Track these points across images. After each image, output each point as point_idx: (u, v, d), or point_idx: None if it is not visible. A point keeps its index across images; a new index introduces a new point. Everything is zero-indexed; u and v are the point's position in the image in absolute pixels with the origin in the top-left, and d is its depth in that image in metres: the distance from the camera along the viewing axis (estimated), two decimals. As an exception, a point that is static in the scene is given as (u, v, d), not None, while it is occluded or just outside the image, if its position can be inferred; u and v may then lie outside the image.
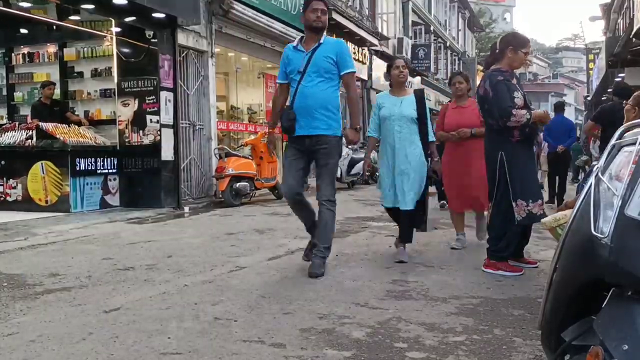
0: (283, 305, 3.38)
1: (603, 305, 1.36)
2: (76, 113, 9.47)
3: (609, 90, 24.15)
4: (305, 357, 2.57)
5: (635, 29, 12.92)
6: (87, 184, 8.01)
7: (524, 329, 2.97)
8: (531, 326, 2.97)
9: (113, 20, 8.44)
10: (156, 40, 8.56)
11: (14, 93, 10.22)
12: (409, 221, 4.83)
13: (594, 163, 1.64)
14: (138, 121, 8.54)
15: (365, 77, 18.23)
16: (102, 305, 3.42)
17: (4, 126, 8.73)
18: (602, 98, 25.86)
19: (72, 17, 8.69)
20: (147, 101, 8.49)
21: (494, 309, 3.36)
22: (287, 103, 4.46)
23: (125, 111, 8.62)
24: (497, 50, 4.32)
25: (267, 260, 4.83)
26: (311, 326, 2.99)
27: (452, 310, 3.31)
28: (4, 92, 10.30)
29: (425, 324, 3.04)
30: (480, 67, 36.13)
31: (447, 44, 31.52)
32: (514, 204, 4.15)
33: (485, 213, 5.23)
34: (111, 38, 8.68)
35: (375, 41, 17.93)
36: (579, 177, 12.25)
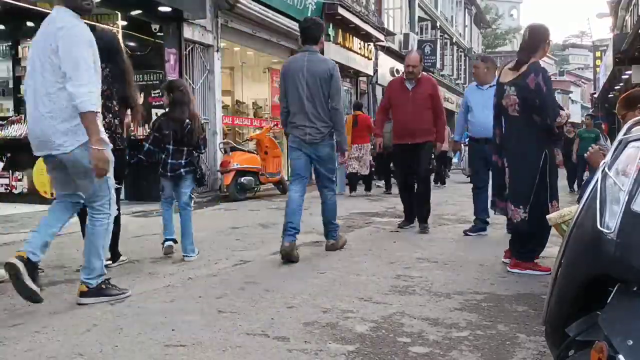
0: (287, 299, 3.39)
1: (608, 301, 1.35)
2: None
3: (616, 87, 24.07)
4: (309, 350, 2.57)
5: (643, 26, 12.83)
6: (93, 177, 8.02)
7: (527, 325, 2.96)
8: (535, 322, 2.96)
9: (119, 14, 8.45)
10: (162, 34, 8.57)
11: (20, 86, 10.23)
12: None
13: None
14: (143, 115, 8.55)
15: (370, 73, 18.19)
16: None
17: (10, 119, 8.75)
18: (609, 95, 25.76)
19: (79, 11, 8.70)
20: (152, 95, 8.49)
21: (498, 304, 3.35)
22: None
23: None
24: (530, 42, 4.11)
25: (271, 255, 4.84)
26: (315, 320, 3.00)
27: (455, 306, 3.30)
28: (11, 85, 10.32)
29: (428, 319, 3.04)
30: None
31: (454, 40, 31.41)
32: (549, 204, 4.07)
33: None
34: (117, 31, 8.68)
35: (381, 37, 17.87)
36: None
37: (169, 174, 4.62)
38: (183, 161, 4.62)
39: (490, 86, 5.55)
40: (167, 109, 4.71)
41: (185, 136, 4.60)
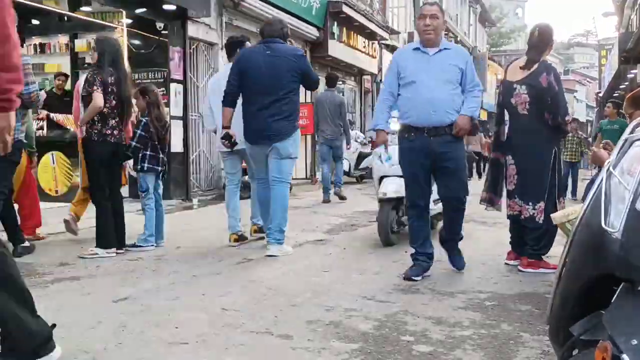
0: (290, 298, 3.39)
1: (612, 300, 1.35)
2: (87, 104, 9.48)
3: (621, 87, 23.99)
4: (312, 348, 2.57)
5: (648, 24, 12.77)
6: (97, 174, 8.02)
7: (531, 324, 2.95)
8: (539, 321, 2.95)
9: (124, 12, 8.45)
10: (167, 32, 8.56)
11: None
12: None
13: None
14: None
15: (375, 71, 18.16)
16: (111, 294, 3.44)
17: (15, 117, 8.75)
18: (614, 95, 25.68)
19: (84, 8, 8.71)
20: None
21: (502, 304, 3.35)
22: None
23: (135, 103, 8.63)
24: (540, 41, 4.15)
25: (275, 253, 4.83)
26: (318, 318, 3.00)
27: (459, 305, 3.30)
28: (16, 83, 10.33)
29: (432, 318, 3.03)
30: (493, 63, 36.00)
31: (458, 39, 31.29)
32: (557, 201, 4.14)
33: None
34: (122, 30, 8.69)
35: (385, 35, 17.83)
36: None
37: (159, 167, 5.02)
38: (164, 157, 5.12)
39: (440, 50, 3.92)
40: (146, 112, 4.99)
41: (164, 135, 5.11)
